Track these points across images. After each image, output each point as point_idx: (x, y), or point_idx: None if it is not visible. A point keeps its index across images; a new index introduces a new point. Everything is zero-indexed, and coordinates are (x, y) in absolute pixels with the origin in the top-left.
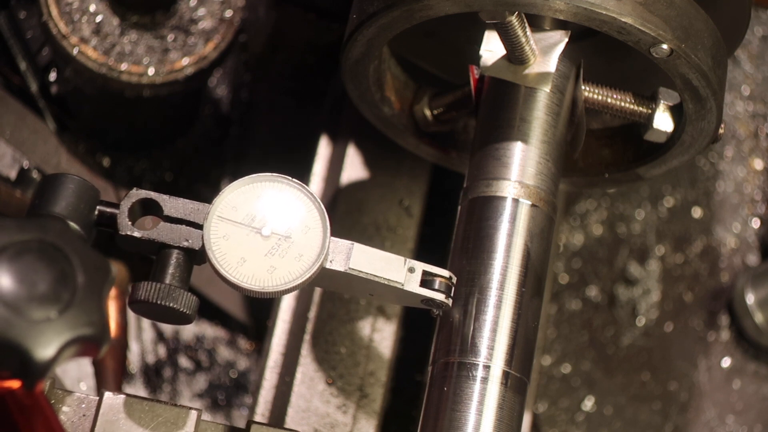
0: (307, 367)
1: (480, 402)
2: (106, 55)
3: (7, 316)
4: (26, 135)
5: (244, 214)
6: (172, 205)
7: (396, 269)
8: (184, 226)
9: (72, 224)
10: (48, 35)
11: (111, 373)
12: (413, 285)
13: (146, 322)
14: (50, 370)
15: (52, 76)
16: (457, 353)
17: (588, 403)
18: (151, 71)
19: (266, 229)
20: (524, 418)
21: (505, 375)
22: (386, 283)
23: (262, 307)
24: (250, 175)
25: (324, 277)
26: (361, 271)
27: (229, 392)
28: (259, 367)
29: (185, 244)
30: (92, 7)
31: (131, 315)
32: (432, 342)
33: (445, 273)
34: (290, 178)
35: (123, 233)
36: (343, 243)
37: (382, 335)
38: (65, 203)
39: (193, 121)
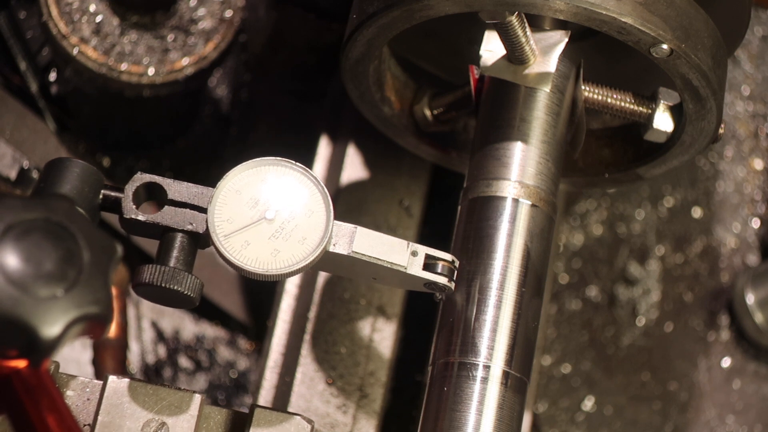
0: (307, 367)
1: (480, 402)
2: (106, 55)
3: (13, 294)
4: (26, 135)
5: (248, 198)
6: (176, 188)
7: (399, 253)
8: (188, 209)
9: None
10: (48, 35)
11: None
12: (416, 268)
13: (146, 322)
14: (56, 348)
15: (52, 76)
16: (457, 353)
17: (588, 403)
18: (151, 71)
19: (270, 212)
20: (524, 418)
21: (505, 375)
22: (389, 266)
23: (262, 307)
24: (254, 159)
25: (327, 260)
26: (365, 255)
27: (229, 392)
28: (259, 367)
29: (189, 227)
30: (92, 7)
31: (131, 316)
32: (432, 342)
33: (448, 257)
34: (294, 162)
35: (127, 217)
36: (347, 226)
37: (382, 335)
38: (70, 186)
39: (193, 121)
